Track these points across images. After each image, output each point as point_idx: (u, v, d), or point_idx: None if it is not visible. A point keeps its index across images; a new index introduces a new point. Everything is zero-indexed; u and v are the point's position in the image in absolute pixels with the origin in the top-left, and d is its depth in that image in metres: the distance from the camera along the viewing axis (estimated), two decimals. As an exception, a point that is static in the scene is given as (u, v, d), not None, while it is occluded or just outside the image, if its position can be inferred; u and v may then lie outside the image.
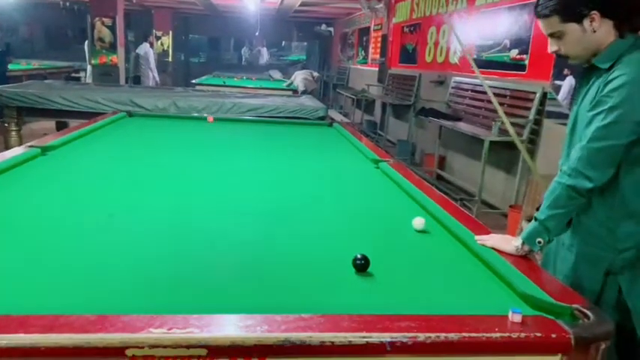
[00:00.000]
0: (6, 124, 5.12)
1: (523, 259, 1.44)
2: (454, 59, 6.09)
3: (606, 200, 1.47)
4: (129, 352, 0.90)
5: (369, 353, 0.97)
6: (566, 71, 3.97)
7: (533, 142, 4.37)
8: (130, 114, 4.07)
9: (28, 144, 2.56)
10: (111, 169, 2.40)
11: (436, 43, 6.74)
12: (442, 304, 1.18)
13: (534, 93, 4.35)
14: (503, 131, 4.18)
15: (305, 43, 18.52)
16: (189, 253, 1.44)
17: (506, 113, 4.58)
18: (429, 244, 1.61)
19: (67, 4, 10.96)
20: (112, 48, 9.25)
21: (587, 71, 1.55)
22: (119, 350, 0.90)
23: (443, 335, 0.98)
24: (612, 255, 1.48)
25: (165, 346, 0.91)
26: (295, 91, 8.37)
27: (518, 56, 4.74)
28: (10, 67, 9.53)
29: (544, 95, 4.27)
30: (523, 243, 1.47)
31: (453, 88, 6.03)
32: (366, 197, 2.19)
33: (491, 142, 4.39)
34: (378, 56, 9.64)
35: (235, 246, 1.52)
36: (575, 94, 1.63)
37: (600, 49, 1.46)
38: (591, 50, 1.47)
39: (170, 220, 1.72)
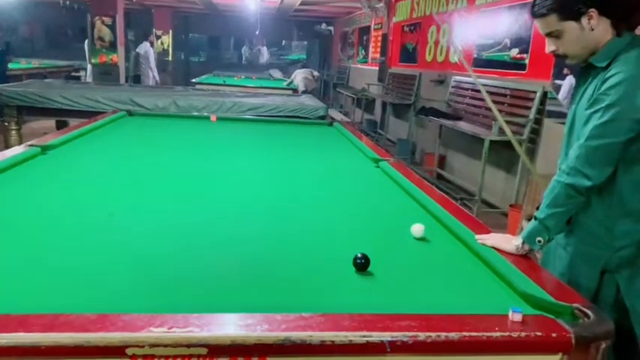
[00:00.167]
0: (6, 123, 5.12)
1: (523, 258, 1.44)
2: (454, 58, 6.08)
3: (604, 198, 1.47)
4: (129, 351, 0.90)
5: (370, 352, 0.96)
6: (566, 71, 3.97)
7: (533, 141, 4.37)
8: (130, 113, 4.07)
9: (28, 143, 2.56)
10: (111, 168, 2.39)
11: (436, 43, 6.74)
12: (442, 303, 1.18)
13: (534, 92, 4.35)
14: (503, 131, 4.17)
15: (305, 43, 18.52)
16: (189, 252, 1.44)
17: (506, 113, 4.60)
18: (429, 243, 1.60)
19: (67, 3, 10.96)
20: (112, 47, 9.25)
21: (584, 70, 1.55)
22: (119, 349, 0.90)
23: (443, 334, 0.98)
24: (608, 253, 1.48)
25: (165, 345, 0.91)
26: (295, 90, 8.37)
27: (518, 55, 4.74)
28: (10, 66, 9.52)
29: (544, 94, 4.27)
30: (523, 242, 1.47)
31: (453, 87, 6.03)
32: (366, 196, 2.19)
33: (492, 142, 4.39)
34: (378, 55, 9.64)
35: (235, 245, 1.52)
36: (573, 93, 1.63)
37: (598, 47, 1.46)
38: (590, 49, 1.47)
39: (170, 219, 1.72)
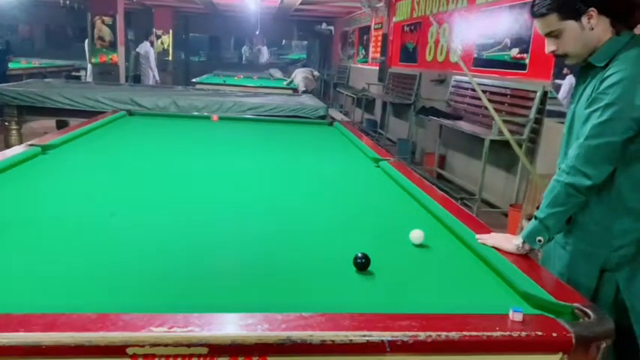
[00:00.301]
0: (6, 123, 5.12)
1: (524, 257, 1.44)
2: (454, 58, 6.08)
3: (602, 197, 1.47)
4: (130, 351, 0.90)
5: (370, 352, 0.97)
6: (565, 70, 3.97)
7: (533, 141, 4.37)
8: (130, 113, 4.07)
9: (29, 143, 2.56)
10: (111, 168, 2.39)
11: (436, 42, 6.74)
12: (443, 303, 1.18)
13: (535, 92, 4.35)
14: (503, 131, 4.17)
15: (305, 42, 18.53)
16: (189, 251, 1.44)
17: (507, 112, 4.60)
18: (429, 243, 1.60)
19: (68, 2, 10.95)
20: (112, 47, 9.25)
21: (583, 70, 1.55)
22: (120, 349, 0.90)
23: (444, 334, 0.98)
24: (607, 252, 1.48)
25: (166, 345, 0.91)
26: (295, 90, 8.36)
27: (518, 55, 4.74)
28: (10, 65, 9.52)
29: (545, 94, 4.27)
30: (523, 242, 1.47)
31: (453, 87, 6.03)
32: (366, 196, 2.19)
33: (492, 141, 4.39)
34: (378, 55, 9.64)
35: (236, 245, 1.52)
36: (572, 93, 1.63)
37: (598, 47, 1.46)
38: (590, 48, 1.47)
39: (170, 219, 1.72)
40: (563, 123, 1.66)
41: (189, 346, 0.92)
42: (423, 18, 7.31)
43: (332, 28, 15.06)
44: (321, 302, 1.13)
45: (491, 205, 4.94)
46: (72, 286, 1.18)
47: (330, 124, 4.19)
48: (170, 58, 14.64)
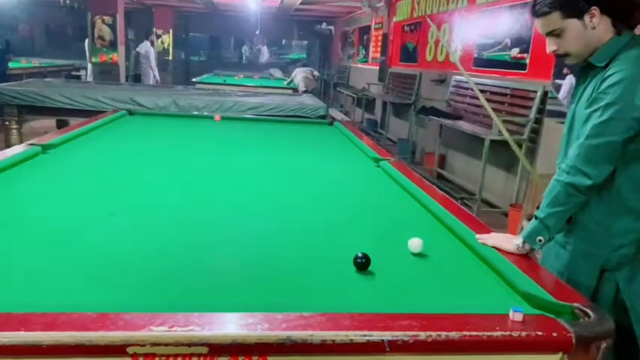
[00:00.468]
0: (6, 122, 5.12)
1: (524, 257, 1.44)
2: (454, 58, 6.08)
3: (602, 197, 1.47)
4: (130, 350, 0.90)
5: (370, 352, 0.97)
6: (566, 70, 3.97)
7: (533, 141, 4.37)
8: (131, 112, 4.07)
9: (29, 142, 2.56)
10: (112, 168, 2.40)
11: (437, 42, 6.74)
12: (443, 302, 1.18)
13: (535, 92, 4.35)
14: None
15: (305, 42, 18.52)
16: (190, 251, 1.44)
17: (507, 112, 4.60)
18: (429, 242, 1.60)
19: (68, 2, 10.95)
20: (113, 46, 9.25)
21: (583, 70, 1.55)
22: (121, 348, 0.90)
23: (444, 334, 0.98)
24: (608, 252, 1.48)
25: (166, 344, 0.91)
26: (295, 90, 8.36)
27: (518, 55, 4.74)
28: (10, 65, 9.52)
29: (545, 94, 4.27)
30: (524, 241, 1.47)
31: (453, 86, 6.03)
32: (366, 196, 2.19)
33: (492, 141, 4.39)
34: (378, 55, 9.63)
35: (236, 244, 1.52)
36: (572, 93, 1.63)
37: (599, 46, 1.46)
38: (592, 47, 1.47)
39: (170, 219, 1.72)
40: (563, 123, 1.66)
41: (189, 345, 0.92)
42: (423, 18, 7.31)
43: (332, 27, 15.06)
44: (321, 302, 1.13)
45: (491, 205, 4.94)
46: (72, 286, 1.18)
47: (331, 123, 4.19)
48: (170, 57, 14.64)
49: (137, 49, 10.86)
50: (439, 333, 0.98)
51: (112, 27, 9.17)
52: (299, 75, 9.23)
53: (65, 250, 1.38)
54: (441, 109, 5.81)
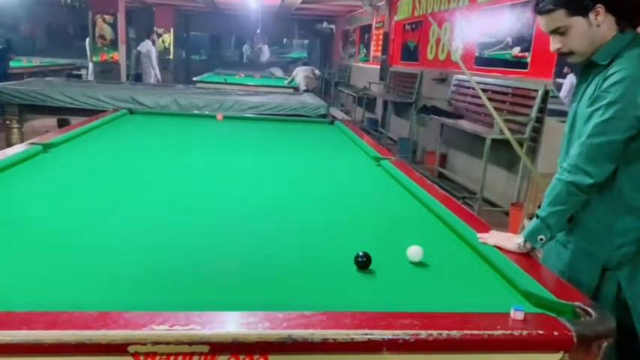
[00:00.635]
0: (7, 122, 5.12)
1: (525, 256, 1.44)
2: (456, 57, 6.08)
3: (604, 196, 1.47)
4: (131, 349, 0.90)
5: (371, 350, 0.97)
6: (566, 69, 3.96)
7: (535, 140, 4.37)
8: (131, 111, 4.08)
9: (30, 141, 2.57)
10: (112, 167, 2.40)
11: (438, 41, 6.73)
12: (444, 301, 1.18)
13: (536, 91, 4.35)
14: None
15: (306, 41, 18.51)
16: (190, 250, 1.44)
17: (508, 111, 4.60)
18: (430, 242, 1.60)
19: (69, 1, 10.95)
20: (113, 45, 9.26)
21: (585, 68, 1.55)
22: (122, 347, 0.90)
23: (445, 333, 0.98)
24: (609, 250, 1.48)
25: (167, 343, 0.91)
26: (296, 89, 8.36)
27: (520, 54, 4.73)
28: (11, 64, 9.53)
29: (546, 93, 4.27)
30: (525, 240, 1.47)
31: (454, 85, 6.02)
32: (367, 195, 2.19)
33: (493, 140, 4.38)
34: (379, 54, 9.63)
35: (237, 243, 1.52)
36: (574, 91, 1.62)
37: (602, 44, 1.46)
38: (596, 46, 1.46)
39: (172, 217, 1.72)
40: (564, 122, 1.65)
41: (190, 344, 0.92)
42: (424, 17, 7.30)
43: (333, 26, 15.05)
44: (322, 301, 1.13)
45: (492, 204, 4.93)
46: (73, 285, 1.18)
47: (331, 122, 4.18)
48: (171, 56, 14.65)
49: (138, 48, 10.86)
50: (440, 332, 0.98)
51: (113, 26, 9.17)
52: (300, 74, 9.23)
53: (66, 249, 1.38)
54: (442, 108, 5.81)
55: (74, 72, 12.07)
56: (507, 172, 4.85)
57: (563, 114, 3.97)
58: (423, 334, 0.97)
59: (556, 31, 1.49)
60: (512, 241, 1.48)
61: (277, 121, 4.29)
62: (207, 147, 3.09)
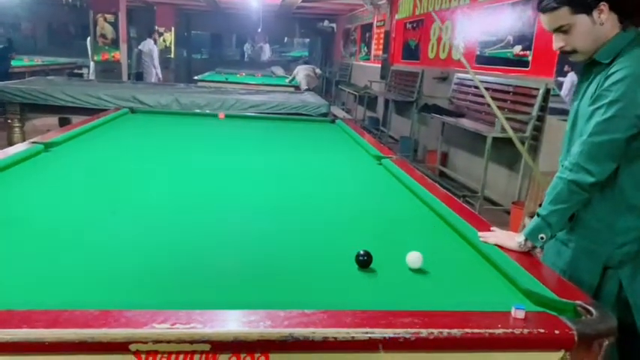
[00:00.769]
0: (9, 121, 5.12)
1: (526, 255, 1.44)
2: (457, 55, 6.07)
3: (605, 195, 1.47)
4: (132, 347, 0.91)
5: (372, 349, 0.96)
6: (566, 68, 3.96)
7: (536, 138, 4.36)
8: (133, 110, 4.08)
9: (31, 140, 2.57)
10: (114, 166, 2.40)
11: (439, 40, 6.73)
12: (445, 300, 1.18)
13: (537, 89, 4.34)
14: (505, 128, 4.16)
15: (307, 40, 18.50)
16: (192, 249, 1.44)
17: (509, 110, 4.59)
18: (431, 240, 1.61)
19: (70, 0, 10.96)
20: (115, 44, 9.26)
21: (587, 66, 1.54)
22: (123, 345, 0.91)
23: (445, 331, 0.98)
24: (610, 249, 1.48)
25: (168, 342, 0.91)
26: (297, 88, 8.35)
27: (521, 52, 4.72)
28: (12, 63, 9.54)
29: (547, 91, 4.26)
30: (526, 239, 1.46)
31: (455, 84, 6.02)
32: (368, 194, 2.19)
33: (494, 139, 4.38)
34: (380, 52, 9.62)
35: (238, 242, 1.52)
36: (575, 90, 1.62)
37: (605, 43, 1.45)
38: (598, 44, 1.46)
39: (173, 216, 1.72)
40: (565, 120, 1.65)
41: (191, 342, 0.92)
42: (425, 15, 7.29)
43: (334, 25, 15.04)
44: (323, 299, 1.13)
45: (493, 203, 4.93)
46: (75, 283, 1.19)
47: (332, 121, 4.18)
48: (172, 55, 14.65)
49: (140, 47, 10.86)
50: (441, 330, 0.98)
51: (114, 25, 9.18)
52: (301, 73, 9.22)
53: (67, 248, 1.39)
54: (443, 106, 5.80)
55: (75, 71, 12.08)
56: (508, 171, 4.84)
57: (564, 112, 3.97)
58: (424, 332, 0.97)
59: (559, 30, 1.48)
60: (513, 239, 1.48)
61: (278, 120, 4.29)
62: (208, 146, 3.09)
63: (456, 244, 1.57)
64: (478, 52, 5.56)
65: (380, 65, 9.48)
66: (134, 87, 6.27)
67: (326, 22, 14.91)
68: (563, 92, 4.02)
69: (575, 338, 1.00)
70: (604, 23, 1.43)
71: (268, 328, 0.95)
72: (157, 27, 13.68)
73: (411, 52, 7.84)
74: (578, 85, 1.60)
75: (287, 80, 9.26)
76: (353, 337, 0.95)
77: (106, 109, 4.17)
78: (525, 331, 1.00)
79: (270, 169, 2.53)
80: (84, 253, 1.37)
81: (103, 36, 9.20)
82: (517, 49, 4.78)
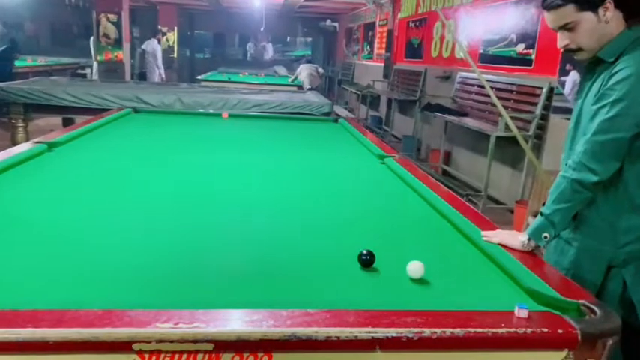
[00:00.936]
0: (13, 121, 5.15)
1: (529, 254, 1.44)
2: (460, 54, 6.06)
3: (608, 194, 1.47)
4: (136, 347, 0.91)
5: (374, 348, 0.96)
6: (568, 66, 3.94)
7: (539, 137, 4.35)
8: (136, 110, 4.09)
9: (35, 140, 2.58)
10: (117, 166, 2.40)
11: (442, 38, 6.72)
12: (448, 299, 1.18)
13: (541, 88, 4.33)
14: (509, 127, 4.15)
15: (310, 39, 18.50)
16: (195, 248, 1.44)
17: (512, 108, 4.58)
18: (434, 239, 1.60)
19: (73, 0, 10.99)
20: (118, 44, 9.29)
21: (591, 65, 1.54)
22: (126, 344, 0.91)
23: (449, 330, 0.98)
24: (614, 248, 1.47)
25: (171, 341, 0.92)
26: (300, 87, 8.35)
27: (524, 51, 4.71)
28: (16, 63, 9.56)
29: (551, 90, 4.25)
30: (529, 238, 1.46)
31: (458, 83, 6.00)
32: (371, 193, 2.19)
33: (497, 138, 4.37)
34: (383, 51, 9.61)
35: (242, 241, 1.53)
36: (578, 88, 1.61)
37: (609, 41, 1.45)
38: (603, 42, 1.45)
39: (176, 216, 1.73)
40: (569, 119, 1.64)
41: (195, 342, 0.92)
42: (428, 14, 7.28)
43: (336, 24, 15.03)
44: (326, 299, 1.14)
45: (496, 202, 4.92)
46: (79, 283, 1.19)
47: (335, 120, 4.18)
48: (175, 55, 14.67)
49: (143, 47, 10.89)
50: (444, 329, 0.98)
51: (117, 25, 9.20)
52: (303, 72, 9.22)
53: (71, 248, 1.39)
54: (446, 105, 5.80)
55: (79, 71, 12.10)
56: (512, 170, 4.83)
57: (567, 111, 3.95)
58: (427, 331, 0.97)
59: (564, 27, 1.47)
60: (517, 238, 1.47)
61: (281, 119, 4.29)
62: (211, 145, 3.09)
63: (458, 243, 1.57)
64: (481, 51, 5.55)
65: (383, 64, 9.47)
66: (137, 87, 6.28)
67: (328, 21, 14.90)
68: (566, 91, 4.01)
69: (579, 337, 1.00)
70: (609, 21, 1.42)
71: (271, 328, 0.95)
72: (159, 27, 13.71)
73: (414, 51, 7.83)
74: (581, 83, 1.60)
75: (290, 79, 9.27)
76: (356, 336, 0.95)
77: (109, 109, 4.18)
78: (528, 330, 1.00)
79: (273, 168, 2.53)
80: (87, 252, 1.37)
81: (106, 36, 9.23)
82: (520, 48, 4.77)
